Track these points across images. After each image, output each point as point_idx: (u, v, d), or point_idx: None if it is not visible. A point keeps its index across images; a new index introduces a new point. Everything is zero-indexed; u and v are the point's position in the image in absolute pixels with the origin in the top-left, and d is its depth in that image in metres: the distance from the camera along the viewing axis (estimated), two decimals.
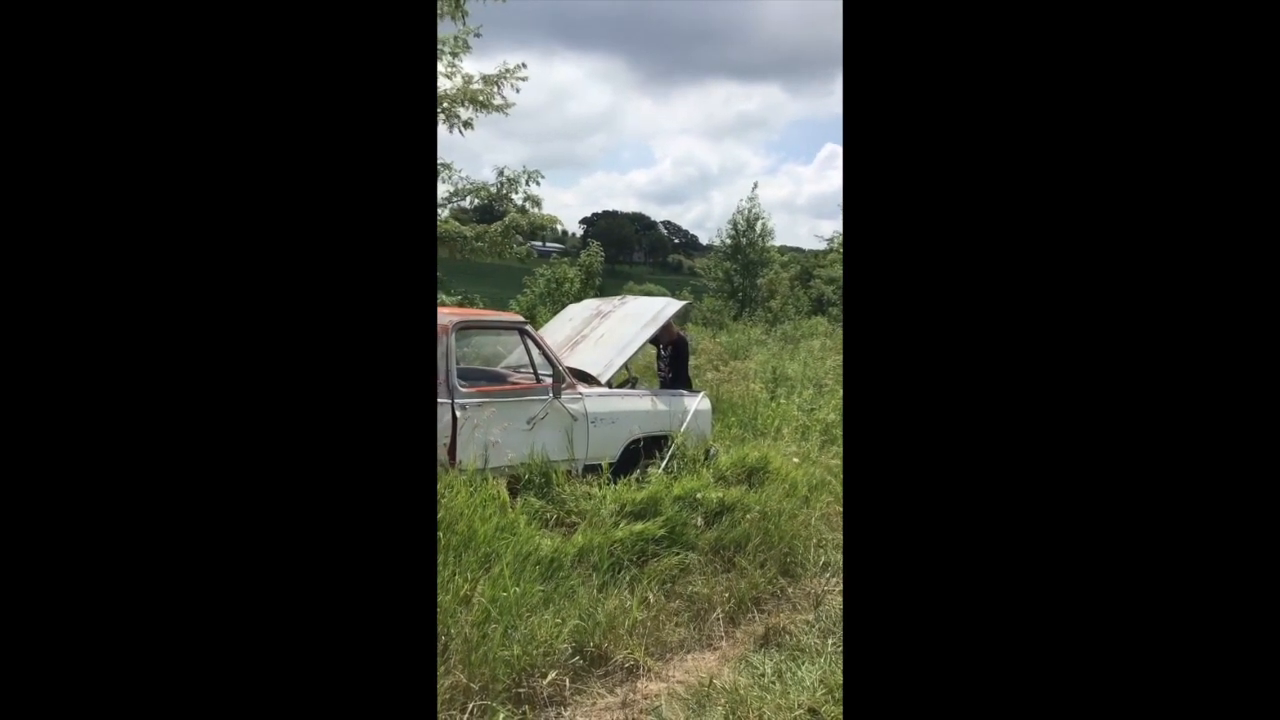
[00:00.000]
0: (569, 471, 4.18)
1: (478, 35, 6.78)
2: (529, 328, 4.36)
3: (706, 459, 4.73)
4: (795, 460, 4.44)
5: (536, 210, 7.65)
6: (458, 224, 7.41)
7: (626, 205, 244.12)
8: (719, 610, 3.18)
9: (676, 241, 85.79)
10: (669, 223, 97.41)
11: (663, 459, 4.49)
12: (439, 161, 7.30)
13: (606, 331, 5.18)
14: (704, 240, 22.95)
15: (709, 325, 15.69)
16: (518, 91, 6.91)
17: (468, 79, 6.86)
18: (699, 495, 3.75)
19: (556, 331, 5.60)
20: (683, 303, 5.51)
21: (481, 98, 6.77)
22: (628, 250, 77.86)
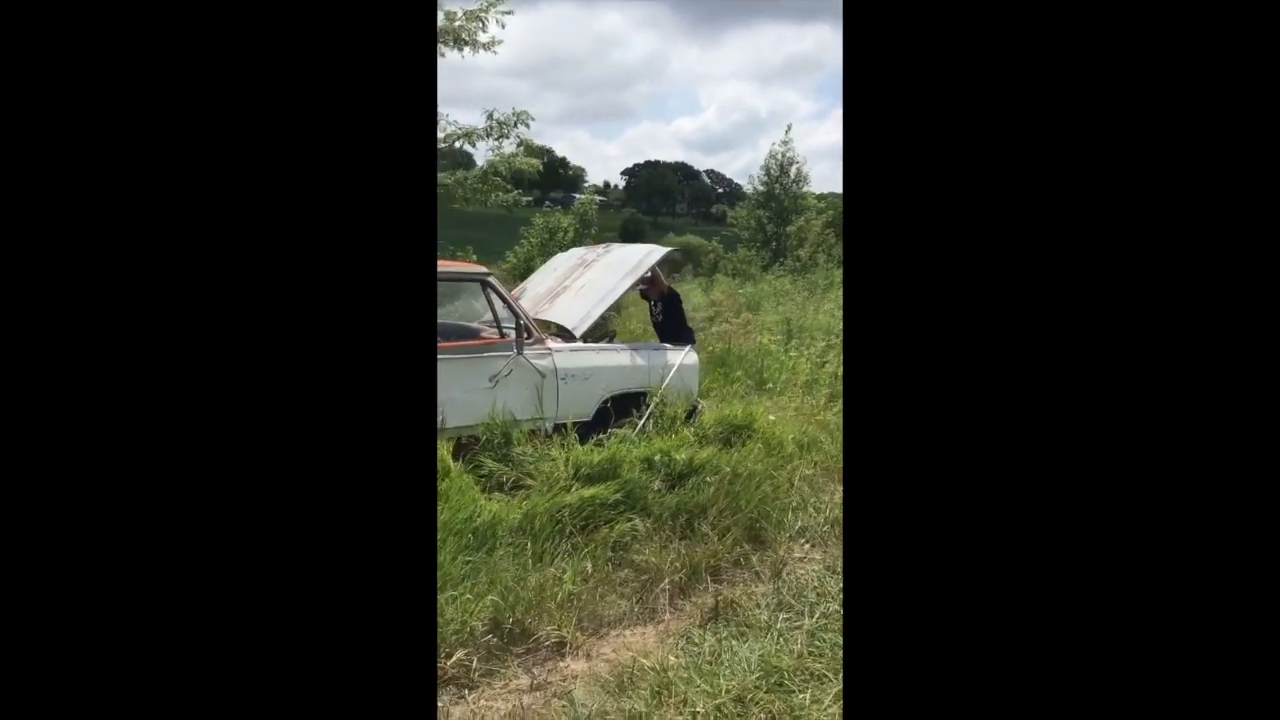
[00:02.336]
0: (534, 431, 3.98)
1: None
2: (492, 279, 4.11)
3: (690, 417, 4.48)
4: (771, 418, 4.14)
5: (530, 156, 7.29)
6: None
7: (672, 155, 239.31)
8: (666, 581, 2.95)
9: (720, 191, 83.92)
10: (713, 171, 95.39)
11: (640, 417, 4.25)
12: None
13: (588, 282, 4.91)
14: (748, 189, 22.24)
15: (737, 276, 15.25)
16: (502, 27, 6.53)
17: (450, 15, 6.49)
18: (656, 457, 3.49)
19: (540, 283, 5.36)
20: (666, 249, 5.19)
21: (465, 35, 6.42)
22: (670, 201, 76.61)
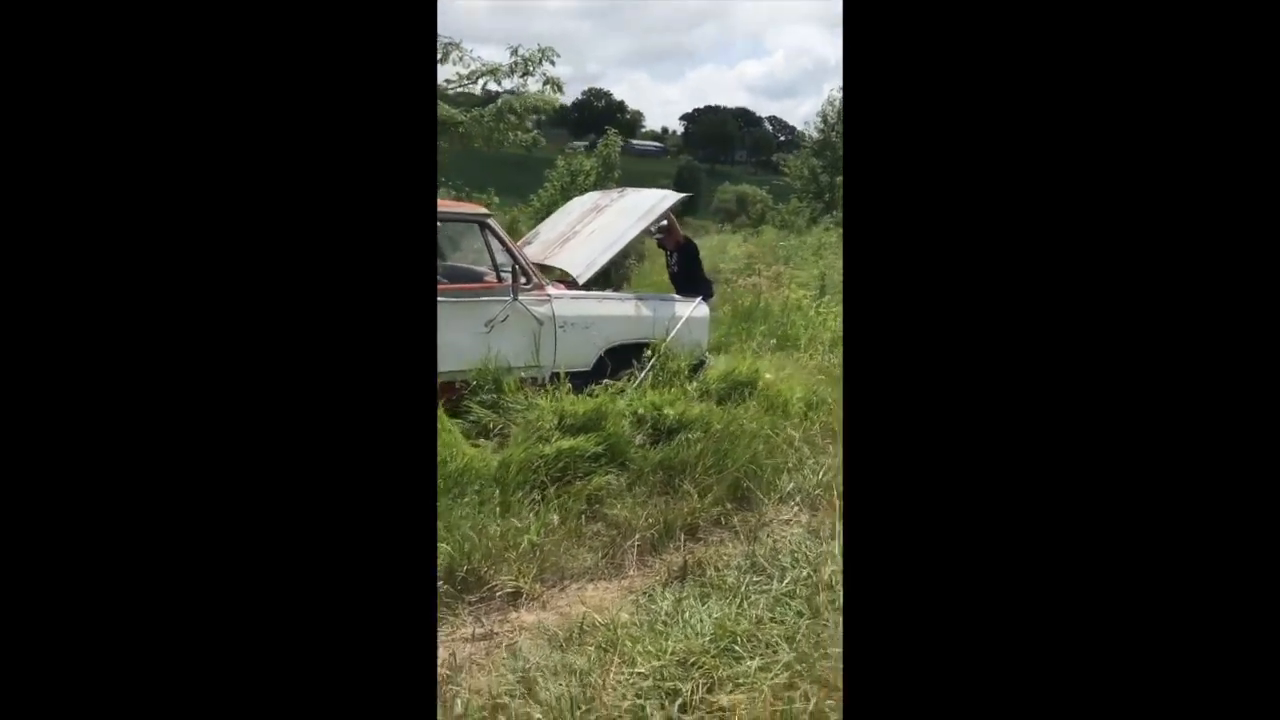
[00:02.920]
0: (525, 379, 3.92)
1: None
2: (491, 221, 4.02)
3: (695, 371, 4.36)
4: (768, 375, 3.98)
5: (554, 92, 7.09)
6: (448, 107, 6.95)
7: (734, 100, 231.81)
8: (637, 537, 2.88)
9: (782, 139, 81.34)
10: (775, 118, 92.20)
11: (641, 369, 4.14)
12: (450, 41, 6.83)
13: (598, 227, 4.78)
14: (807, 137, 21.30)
15: (784, 227, 14.84)
16: None
17: None
18: (639, 410, 3.40)
19: (553, 227, 5.24)
20: (680, 195, 5.00)
21: None
22: (729, 148, 74.73)
